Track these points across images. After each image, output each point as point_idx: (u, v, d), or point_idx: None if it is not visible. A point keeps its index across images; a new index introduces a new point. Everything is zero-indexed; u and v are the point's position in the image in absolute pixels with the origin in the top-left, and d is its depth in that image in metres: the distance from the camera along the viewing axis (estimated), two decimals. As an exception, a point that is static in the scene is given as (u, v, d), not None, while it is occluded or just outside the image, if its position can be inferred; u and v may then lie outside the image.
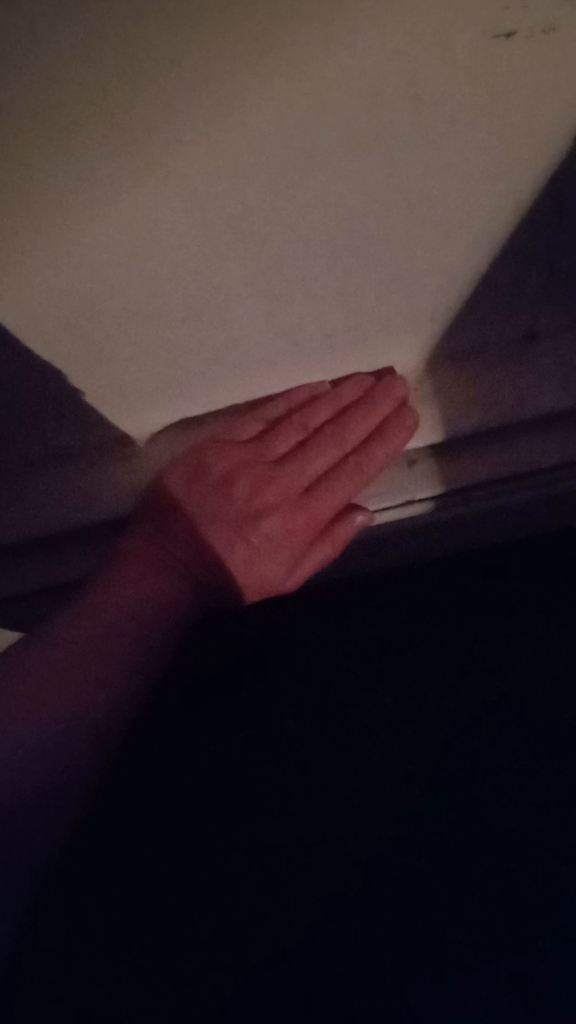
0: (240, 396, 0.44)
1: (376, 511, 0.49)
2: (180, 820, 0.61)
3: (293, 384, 0.44)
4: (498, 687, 0.59)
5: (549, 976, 0.54)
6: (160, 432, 0.45)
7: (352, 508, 0.44)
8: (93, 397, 0.42)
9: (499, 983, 0.55)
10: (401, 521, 0.52)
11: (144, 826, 0.61)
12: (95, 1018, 0.57)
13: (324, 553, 0.43)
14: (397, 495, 0.49)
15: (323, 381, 0.45)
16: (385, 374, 0.45)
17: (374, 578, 0.57)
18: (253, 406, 0.45)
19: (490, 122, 0.33)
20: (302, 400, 0.44)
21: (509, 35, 0.30)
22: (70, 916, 0.59)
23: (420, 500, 0.49)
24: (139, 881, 0.60)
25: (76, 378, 0.41)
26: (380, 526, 0.50)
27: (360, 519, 0.44)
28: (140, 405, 0.43)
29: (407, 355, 0.45)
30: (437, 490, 0.49)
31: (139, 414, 0.44)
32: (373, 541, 0.51)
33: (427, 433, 0.46)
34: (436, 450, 0.47)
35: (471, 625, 0.61)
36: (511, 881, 0.57)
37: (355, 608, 0.62)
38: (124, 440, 0.45)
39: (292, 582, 0.43)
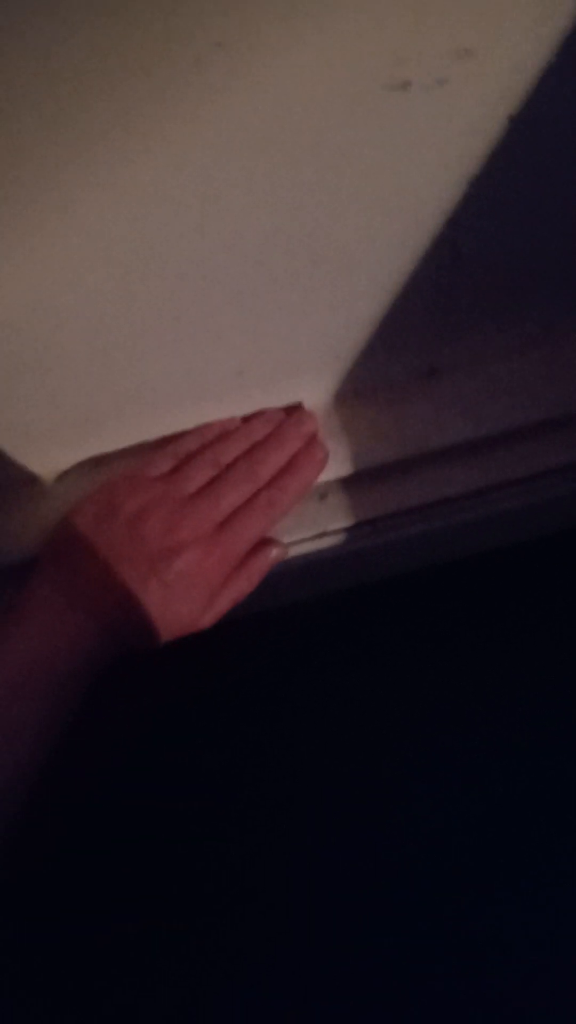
0: (151, 433, 0.44)
1: (290, 544, 0.49)
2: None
3: (203, 421, 0.45)
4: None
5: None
6: (69, 471, 0.45)
7: (266, 542, 0.45)
8: (-1, 437, 0.41)
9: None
10: (316, 552, 0.52)
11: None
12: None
13: (240, 588, 0.43)
14: (310, 527, 0.49)
15: (234, 417, 0.45)
16: (294, 410, 0.46)
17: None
18: (164, 443, 0.44)
19: (387, 168, 0.34)
20: (213, 436, 0.44)
21: (404, 86, 0.31)
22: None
23: (332, 532, 0.50)
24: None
25: (-20, 418, 0.40)
26: (295, 558, 0.51)
27: (275, 553, 0.45)
28: (48, 444, 0.43)
29: (315, 391, 0.46)
30: (348, 522, 0.49)
31: (47, 453, 0.43)
32: (291, 572, 0.51)
33: (337, 467, 0.47)
34: (346, 483, 0.48)
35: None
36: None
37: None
38: (32, 480, 0.44)
39: (208, 618, 0.43)
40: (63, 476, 0.45)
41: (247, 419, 0.45)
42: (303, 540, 0.50)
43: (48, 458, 0.44)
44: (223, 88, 0.29)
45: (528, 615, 0.63)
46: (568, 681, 0.62)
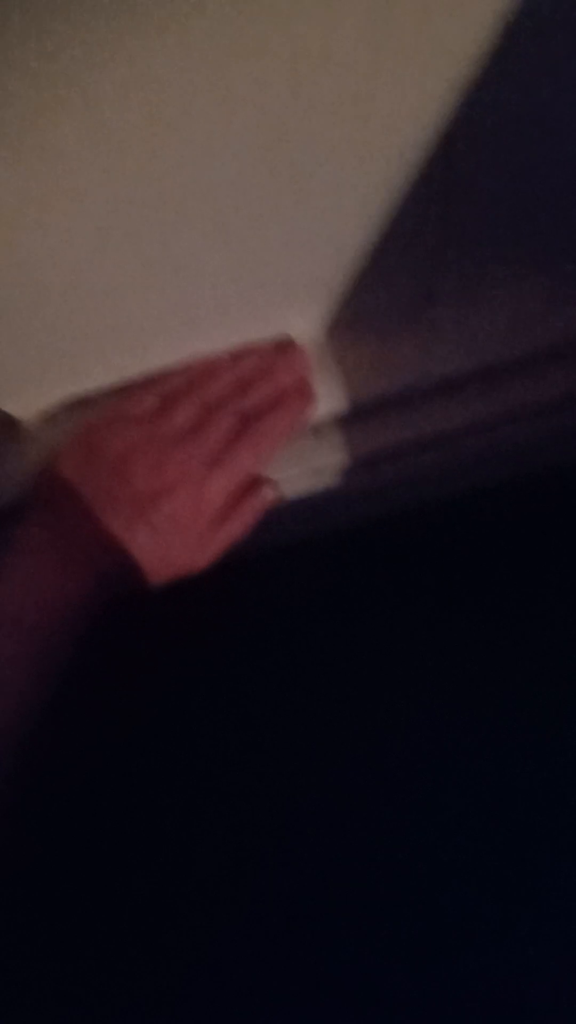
0: (134, 372, 0.43)
1: (285, 480, 0.48)
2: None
3: (190, 357, 0.43)
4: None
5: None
6: (52, 412, 0.43)
7: (259, 482, 0.43)
8: (-26, 378, 0.40)
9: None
10: (312, 490, 0.51)
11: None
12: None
13: (233, 529, 0.42)
14: (305, 464, 0.48)
15: (220, 354, 0.43)
16: (284, 345, 0.44)
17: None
18: (149, 382, 0.43)
19: (367, 79, 0.32)
20: (199, 374, 0.42)
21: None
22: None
23: (328, 468, 0.48)
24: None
25: (-45, 359, 0.38)
26: (291, 497, 0.50)
27: (266, 493, 0.43)
28: (27, 385, 0.41)
29: (305, 323, 0.44)
30: (345, 459, 0.48)
31: (27, 395, 0.42)
32: (288, 511, 0.50)
33: (331, 402, 0.45)
34: (341, 419, 0.47)
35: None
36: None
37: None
38: (11, 423, 0.43)
39: (201, 561, 0.42)
40: (46, 418, 0.43)
41: (235, 355, 0.43)
42: (298, 477, 0.49)
43: (30, 400, 0.42)
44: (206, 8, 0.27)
45: (531, 552, 0.61)
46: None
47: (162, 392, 0.42)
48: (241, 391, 0.42)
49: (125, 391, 0.43)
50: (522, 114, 0.36)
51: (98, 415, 0.41)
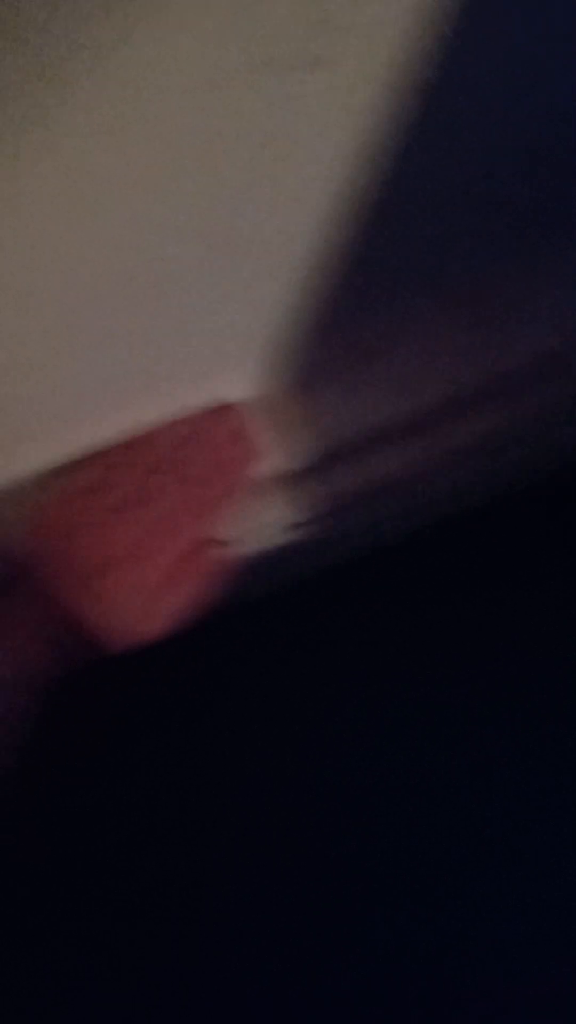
0: (75, 447, 0.44)
1: (241, 540, 0.49)
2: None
3: (128, 428, 0.44)
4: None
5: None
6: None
7: (208, 544, 0.44)
8: None
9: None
10: (276, 547, 0.52)
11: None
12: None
13: (186, 592, 0.43)
14: (259, 520, 0.49)
15: (158, 422, 0.44)
16: (222, 408, 0.45)
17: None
18: (92, 455, 0.44)
19: (282, 151, 0.33)
20: (140, 444, 0.43)
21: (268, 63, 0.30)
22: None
23: (282, 524, 0.49)
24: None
25: None
26: (253, 554, 0.50)
27: (217, 554, 0.44)
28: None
29: (243, 385, 0.45)
30: (297, 513, 0.49)
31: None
32: (252, 568, 0.51)
33: (276, 460, 0.46)
34: (288, 476, 0.47)
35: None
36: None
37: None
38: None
39: (155, 628, 0.42)
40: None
41: (174, 423, 0.44)
42: (254, 532, 0.49)
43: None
44: (115, 82, 0.28)
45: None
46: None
47: (105, 464, 0.43)
48: (182, 457, 0.42)
49: (67, 466, 0.44)
50: (430, 171, 0.37)
51: (42, 492, 0.42)
